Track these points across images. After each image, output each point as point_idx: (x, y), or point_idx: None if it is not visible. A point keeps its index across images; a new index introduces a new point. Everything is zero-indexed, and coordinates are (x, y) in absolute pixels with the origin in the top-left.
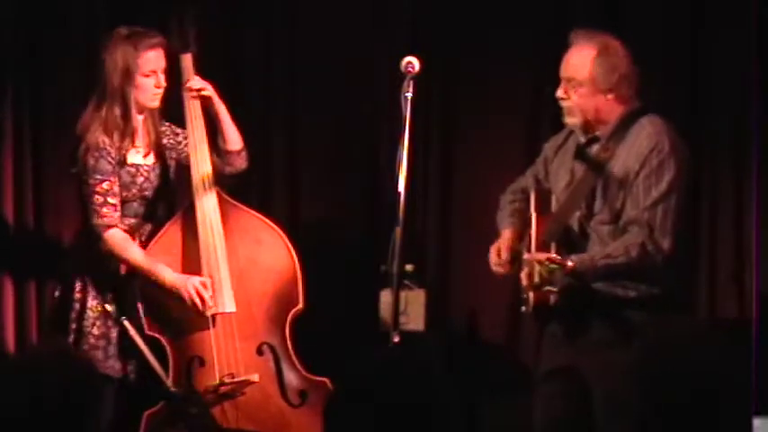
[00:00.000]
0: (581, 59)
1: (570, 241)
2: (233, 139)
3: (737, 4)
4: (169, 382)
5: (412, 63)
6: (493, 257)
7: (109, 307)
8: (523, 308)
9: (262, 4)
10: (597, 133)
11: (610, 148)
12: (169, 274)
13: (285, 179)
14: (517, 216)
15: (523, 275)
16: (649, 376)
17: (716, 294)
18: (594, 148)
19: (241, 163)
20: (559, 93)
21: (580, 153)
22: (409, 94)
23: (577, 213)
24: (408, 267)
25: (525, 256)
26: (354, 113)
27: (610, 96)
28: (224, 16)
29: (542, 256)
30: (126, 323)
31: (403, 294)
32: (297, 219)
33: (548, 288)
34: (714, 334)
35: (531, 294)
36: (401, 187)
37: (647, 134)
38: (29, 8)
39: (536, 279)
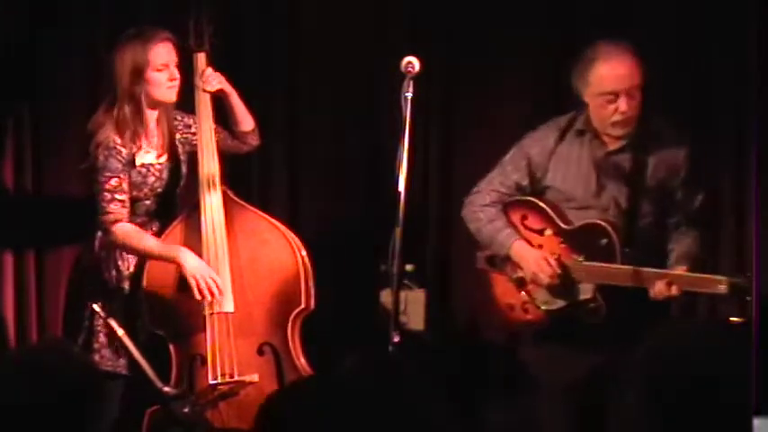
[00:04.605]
0: (629, 66)
1: (597, 246)
2: (246, 120)
3: (737, 4)
4: (159, 383)
5: (412, 63)
6: (545, 269)
7: (96, 307)
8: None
9: (262, 3)
10: (624, 142)
11: (638, 152)
12: (190, 258)
13: (285, 179)
14: (513, 227)
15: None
16: (650, 376)
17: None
18: (622, 155)
19: (256, 140)
20: (623, 107)
21: (607, 160)
22: (409, 94)
23: (605, 217)
24: (408, 267)
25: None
26: (354, 113)
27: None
28: (223, 16)
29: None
30: (112, 323)
31: (403, 294)
32: (297, 219)
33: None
34: (714, 334)
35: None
36: (401, 187)
37: (674, 137)
38: (29, 8)
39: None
